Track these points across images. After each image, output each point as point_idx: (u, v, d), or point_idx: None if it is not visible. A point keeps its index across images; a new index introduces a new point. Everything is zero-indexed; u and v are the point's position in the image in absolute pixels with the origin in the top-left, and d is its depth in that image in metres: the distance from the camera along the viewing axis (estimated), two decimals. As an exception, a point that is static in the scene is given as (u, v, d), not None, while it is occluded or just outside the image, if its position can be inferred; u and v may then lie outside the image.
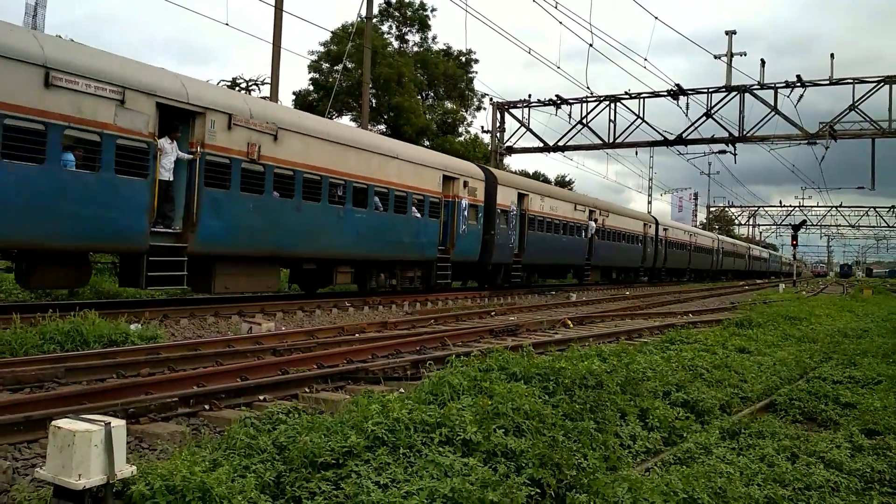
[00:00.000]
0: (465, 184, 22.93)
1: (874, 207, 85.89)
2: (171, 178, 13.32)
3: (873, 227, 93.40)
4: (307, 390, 7.81)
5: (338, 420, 5.01)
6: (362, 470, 4.29)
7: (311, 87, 43.37)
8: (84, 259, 13.16)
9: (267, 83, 29.96)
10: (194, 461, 4.06)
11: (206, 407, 6.84)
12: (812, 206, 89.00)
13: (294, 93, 43.74)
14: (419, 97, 45.50)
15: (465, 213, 22.83)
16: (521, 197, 26.68)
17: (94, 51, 12.74)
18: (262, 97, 27.68)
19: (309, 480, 4.19)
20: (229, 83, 32.85)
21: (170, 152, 13.22)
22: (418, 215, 20.59)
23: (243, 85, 33.18)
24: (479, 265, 24.79)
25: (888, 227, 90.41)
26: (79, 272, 13.05)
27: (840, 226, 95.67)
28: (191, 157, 13.51)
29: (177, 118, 13.51)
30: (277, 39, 22.59)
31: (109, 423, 3.81)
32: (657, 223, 45.20)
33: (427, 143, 40.60)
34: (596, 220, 33.64)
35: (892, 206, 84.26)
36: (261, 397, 7.35)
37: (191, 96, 13.57)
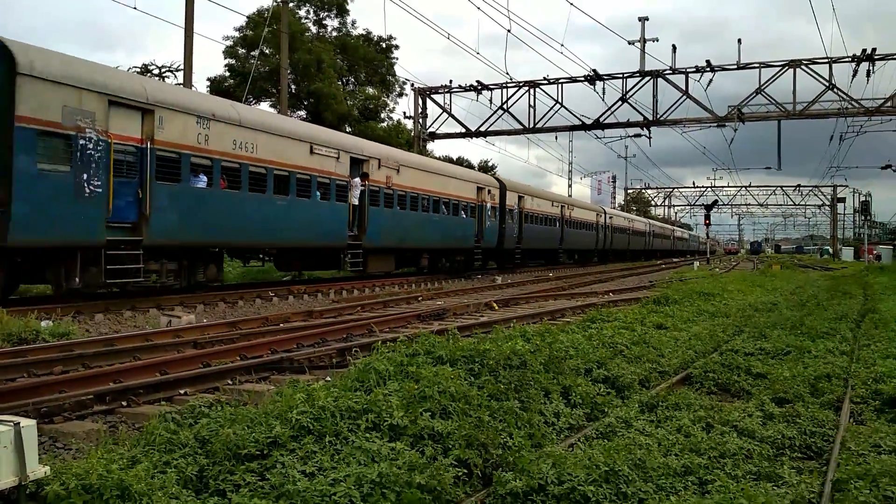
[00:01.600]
0: (489, 192, 30.91)
1: (781, 187, 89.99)
2: (357, 203, 21.35)
3: (780, 205, 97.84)
4: (230, 382, 7.66)
5: (262, 411, 4.94)
6: (287, 460, 4.25)
7: (228, 74, 42.28)
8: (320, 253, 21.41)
9: (180, 70, 29.04)
10: (111, 459, 3.94)
11: (124, 403, 6.64)
12: (723, 187, 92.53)
13: (209, 79, 42.56)
14: (339, 83, 44.94)
15: (489, 213, 30.69)
16: (519, 198, 34.24)
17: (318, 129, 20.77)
18: (176, 83, 26.82)
19: (233, 473, 4.13)
20: (139, 69, 31.69)
21: (357, 186, 21.30)
22: (465, 216, 28.65)
23: (156, 72, 32.05)
24: (495, 251, 32.39)
25: (794, 205, 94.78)
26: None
27: (749, 205, 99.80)
28: (362, 188, 21.52)
29: (356, 164, 21.47)
30: (190, 24, 21.92)
31: (19, 423, 3.66)
32: (605, 213, 52.21)
33: (349, 129, 40.20)
34: (564, 214, 40.06)
35: (798, 185, 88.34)
36: (181, 391, 7.18)
37: (365, 151, 22.17)
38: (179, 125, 14.79)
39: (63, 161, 12.54)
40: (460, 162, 55.44)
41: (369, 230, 21.80)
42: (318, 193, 19.33)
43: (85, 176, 12.81)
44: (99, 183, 13.03)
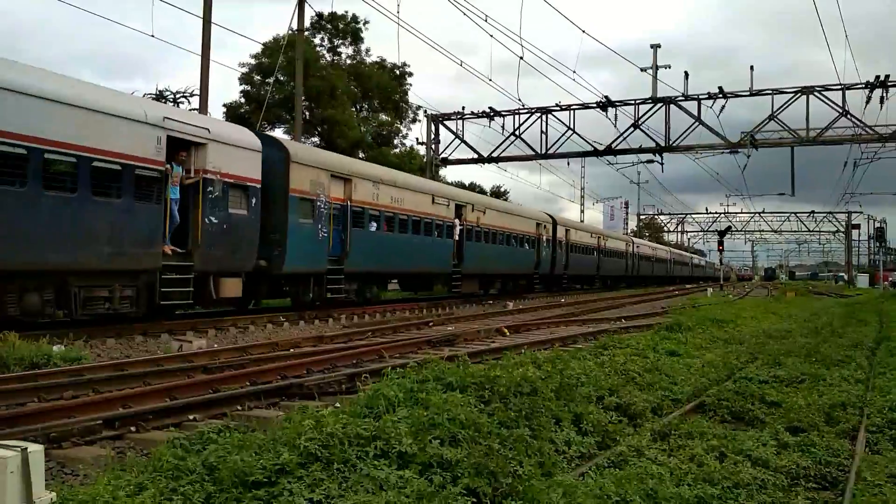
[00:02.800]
0: (545, 226, 37.03)
1: (795, 213, 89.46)
2: (457, 239, 27.11)
3: (794, 231, 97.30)
4: (239, 408, 7.64)
5: (270, 437, 4.91)
6: (295, 487, 4.21)
7: (243, 100, 42.76)
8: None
9: (196, 95, 29.38)
10: (118, 485, 3.92)
11: (133, 429, 6.63)
12: (736, 213, 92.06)
13: (225, 105, 43.07)
14: (353, 109, 45.31)
15: (545, 243, 36.75)
16: (566, 231, 40.39)
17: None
18: (191, 109, 27.12)
19: (240, 500, 4.09)
20: (155, 96, 32.09)
21: (457, 226, 26.80)
22: (528, 247, 34.93)
23: (171, 98, 32.46)
24: (548, 276, 37.95)
25: (808, 231, 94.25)
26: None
27: (763, 231, 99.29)
28: (461, 227, 27.13)
29: (458, 208, 27.63)
30: (206, 51, 22.21)
31: (26, 448, 3.65)
32: (633, 242, 58.55)
33: (362, 155, 40.43)
34: (600, 244, 47.00)
35: (812, 212, 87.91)
36: (190, 417, 7.16)
37: (463, 198, 28.85)
38: (363, 188, 21.10)
39: (309, 216, 18.50)
40: (472, 188, 55.59)
41: (465, 259, 27.90)
42: (436, 232, 25.63)
43: (319, 225, 18.90)
44: (325, 230, 19.13)
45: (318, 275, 19.07)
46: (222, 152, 15.53)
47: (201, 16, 21.98)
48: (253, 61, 42.28)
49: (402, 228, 23.22)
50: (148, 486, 4.08)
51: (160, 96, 32.27)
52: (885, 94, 31.52)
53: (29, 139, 11.59)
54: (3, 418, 6.42)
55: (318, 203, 18.75)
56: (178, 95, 32.91)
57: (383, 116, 48.54)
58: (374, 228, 21.52)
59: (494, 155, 37.95)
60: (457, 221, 27.21)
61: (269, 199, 17.12)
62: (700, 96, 33.84)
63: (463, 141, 38.34)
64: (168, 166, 14.20)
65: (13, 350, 9.80)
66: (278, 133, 40.93)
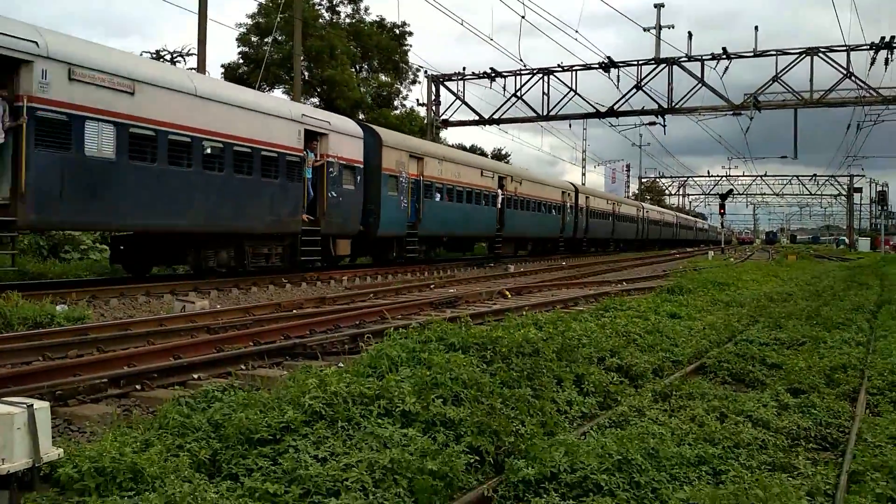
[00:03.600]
0: (568, 194, 40.49)
1: (797, 176, 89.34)
2: (499, 207, 30.60)
3: (796, 195, 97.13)
4: (243, 367, 7.68)
5: (275, 396, 4.95)
6: (300, 444, 4.25)
7: (241, 60, 42.31)
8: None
9: (193, 54, 29.07)
10: (124, 442, 3.96)
11: (138, 387, 6.67)
12: (738, 176, 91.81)
13: (223, 66, 42.67)
14: (353, 70, 44.84)
15: (569, 210, 40.29)
16: (586, 198, 43.78)
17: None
18: (188, 68, 26.83)
19: (245, 457, 4.14)
20: (153, 55, 31.72)
21: (500, 195, 30.65)
22: (553, 213, 38.12)
23: (168, 57, 32.07)
24: (571, 239, 41.54)
25: (810, 194, 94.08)
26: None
27: (765, 194, 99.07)
28: (503, 196, 30.99)
29: (501, 180, 31.29)
30: (203, 10, 21.92)
31: (32, 405, 3.68)
32: (644, 207, 61.94)
33: (362, 115, 40.13)
34: (615, 210, 50.24)
35: (814, 175, 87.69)
36: (195, 376, 7.21)
37: (504, 171, 32.82)
38: (431, 165, 24.90)
39: (395, 190, 22.30)
40: (473, 150, 55.35)
41: (506, 225, 31.19)
42: (483, 201, 29.08)
43: (402, 197, 22.73)
44: (405, 201, 22.92)
45: (400, 238, 23.28)
46: (338, 140, 19.51)
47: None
48: (250, 21, 41.80)
49: (460, 198, 27.19)
50: (154, 443, 4.12)
51: (157, 56, 31.89)
52: (889, 56, 31.17)
53: (225, 136, 15.44)
54: (8, 376, 6.45)
55: (401, 179, 22.74)
56: (175, 55, 32.53)
57: (383, 77, 48.09)
58: (438, 199, 25.57)
59: (496, 117, 37.66)
60: (499, 192, 30.77)
61: (368, 176, 21.04)
62: (703, 57, 33.45)
63: (464, 102, 38.02)
64: (305, 153, 18.06)
65: (17, 309, 9.82)
66: (277, 93, 40.62)
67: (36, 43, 11.76)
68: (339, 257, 21.24)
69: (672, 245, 73.66)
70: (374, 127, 23.02)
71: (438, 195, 25.42)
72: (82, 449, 3.84)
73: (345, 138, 19.91)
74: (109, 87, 12.89)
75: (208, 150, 15.16)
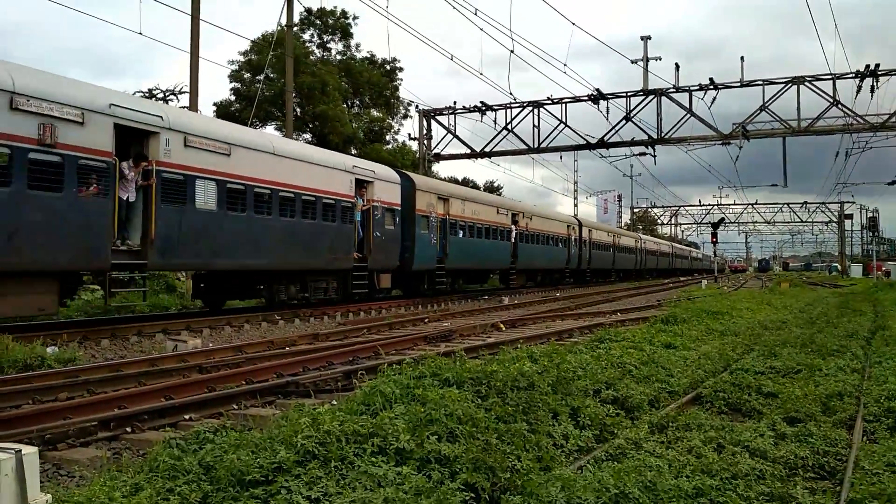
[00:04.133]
0: (573, 227, 43.60)
1: (787, 204, 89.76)
2: (513, 241, 33.18)
3: (788, 222, 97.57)
4: (235, 407, 7.61)
5: (267, 436, 4.88)
6: (293, 485, 4.18)
7: (233, 97, 42.60)
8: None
9: (185, 92, 29.24)
10: (114, 486, 3.89)
11: (128, 430, 6.59)
12: (730, 204, 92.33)
13: (215, 103, 42.89)
14: (344, 106, 45.17)
15: (574, 242, 43.15)
16: (589, 231, 46.64)
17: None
18: (181, 107, 27.01)
19: (237, 500, 4.07)
20: (146, 94, 31.93)
21: (514, 230, 32.82)
22: (560, 246, 40.71)
23: (160, 95, 32.28)
24: (578, 270, 44.51)
25: (802, 222, 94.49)
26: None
27: (757, 222, 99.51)
28: (517, 231, 33.10)
29: (514, 216, 33.59)
30: (195, 49, 22.10)
31: (20, 450, 3.62)
32: (642, 239, 64.52)
33: (354, 151, 40.32)
34: (615, 241, 52.77)
35: (805, 202, 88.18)
36: (187, 417, 7.13)
37: (517, 208, 34.69)
38: (456, 205, 27.60)
39: (426, 228, 24.90)
40: (465, 183, 55.62)
41: (520, 258, 33.75)
42: (500, 237, 31.53)
43: (432, 235, 25.21)
44: (435, 238, 25.43)
45: (430, 271, 25.76)
46: (381, 186, 22.35)
47: (190, 13, 21.86)
48: (242, 58, 42.15)
49: (480, 234, 29.66)
50: (144, 487, 4.05)
51: (150, 95, 32.10)
52: (875, 84, 31.54)
53: (295, 187, 18.22)
54: (-3, 421, 6.37)
55: (431, 218, 25.34)
56: (167, 93, 32.75)
57: (375, 112, 48.42)
58: (462, 235, 27.92)
59: (487, 149, 37.89)
60: (513, 227, 33.20)
61: (404, 217, 23.64)
62: (691, 88, 33.83)
63: (455, 136, 38.29)
64: (356, 199, 20.72)
65: (7, 352, 9.75)
66: (269, 129, 40.86)
67: (161, 117, 14.25)
68: (381, 290, 23.66)
69: (668, 274, 76.32)
70: (408, 173, 26.50)
71: (462, 232, 28.00)
72: (71, 494, 3.78)
73: (386, 184, 22.83)
74: (213, 150, 15.51)
75: (283, 200, 17.72)
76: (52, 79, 12.67)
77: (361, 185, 21.17)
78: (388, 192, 22.74)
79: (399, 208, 23.24)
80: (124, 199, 13.53)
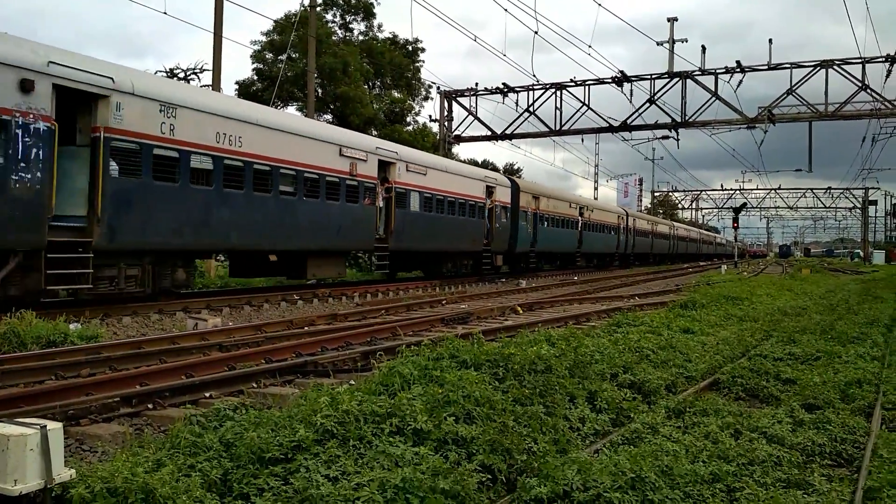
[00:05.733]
0: (622, 217, 49.41)
1: (811, 189, 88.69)
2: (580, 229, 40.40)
3: (811, 208, 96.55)
4: (255, 385, 7.69)
5: (286, 414, 4.94)
6: (311, 464, 4.24)
7: (255, 77, 42.63)
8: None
9: (207, 70, 29.33)
10: (136, 462, 3.96)
11: (150, 406, 6.68)
12: (752, 189, 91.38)
13: (237, 82, 42.94)
14: (366, 87, 45.08)
15: (622, 231, 48.75)
16: (633, 220, 52.64)
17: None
18: (202, 86, 27.08)
19: (257, 476, 4.13)
20: (167, 73, 32.05)
21: (530, 211, 32.88)
22: (612, 234, 46.62)
23: (182, 74, 32.38)
24: (624, 254, 50.54)
25: (825, 207, 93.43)
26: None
27: (779, 207, 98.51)
28: (536, 212, 33.24)
29: (536, 198, 33.75)
30: (218, 28, 22.15)
31: (45, 425, 3.69)
32: (674, 225, 71.23)
33: (375, 132, 40.28)
34: (653, 228, 58.91)
35: (829, 188, 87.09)
36: (207, 394, 7.22)
37: (534, 189, 34.01)
38: (543, 201, 34.10)
39: (525, 220, 31.75)
40: (486, 165, 55.44)
41: (584, 243, 40.14)
42: (570, 226, 37.91)
43: (527, 225, 32.02)
44: (530, 228, 32.40)
45: (525, 254, 32.59)
46: (500, 191, 29.68)
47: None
48: (265, 38, 42.13)
49: (558, 225, 36.27)
50: (166, 463, 4.12)
51: (171, 74, 32.20)
52: (904, 68, 31.02)
53: (452, 193, 25.64)
54: (21, 396, 6.49)
55: (528, 212, 32.08)
56: (188, 72, 32.82)
57: (396, 93, 48.27)
58: (546, 226, 34.31)
59: (508, 132, 37.76)
60: (580, 218, 38.97)
61: (511, 212, 30.69)
62: (717, 71, 33.46)
63: (476, 118, 38.18)
64: (487, 201, 28.26)
65: (30, 328, 9.89)
66: (291, 110, 40.90)
67: (396, 152, 22.55)
68: (498, 267, 30.94)
69: (695, 258, 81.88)
70: (514, 178, 34.26)
71: (546, 223, 34.41)
72: (94, 469, 3.85)
73: (502, 189, 30.16)
74: (417, 172, 23.28)
75: (452, 203, 25.54)
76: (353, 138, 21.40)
77: (489, 190, 28.72)
78: (502, 194, 29.99)
79: (509, 206, 30.43)
80: (380, 206, 21.21)
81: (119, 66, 13.63)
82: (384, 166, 21.35)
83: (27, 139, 11.51)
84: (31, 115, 11.53)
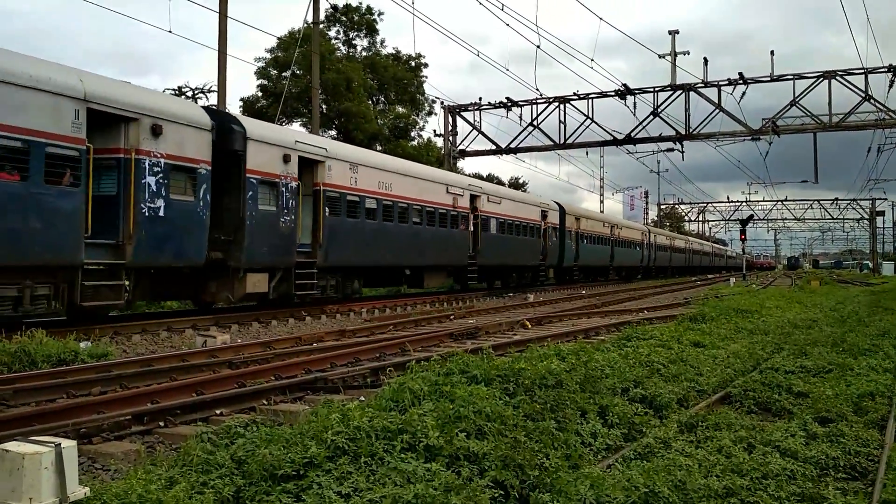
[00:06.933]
0: (646, 233, 55.23)
1: (818, 200, 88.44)
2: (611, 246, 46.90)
3: (818, 219, 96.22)
4: (265, 402, 7.69)
5: (297, 431, 4.94)
6: (324, 480, 4.23)
7: (260, 94, 42.93)
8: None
9: (214, 91, 29.52)
10: (150, 479, 3.96)
11: (161, 424, 6.69)
12: (758, 201, 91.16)
13: (242, 99, 43.27)
14: (370, 102, 45.32)
15: (645, 246, 53.91)
16: (654, 235, 57.55)
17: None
18: (209, 104, 27.24)
19: (269, 494, 4.13)
20: (174, 91, 32.28)
21: (610, 237, 45.28)
22: (637, 249, 51.79)
23: (189, 94, 32.62)
24: (647, 267, 55.40)
25: (832, 219, 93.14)
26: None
27: (786, 219, 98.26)
28: (577, 231, 39.63)
29: (576, 219, 39.36)
30: (223, 46, 22.30)
31: (59, 444, 3.70)
32: (690, 240, 78.19)
33: (379, 147, 40.46)
34: (671, 242, 63.66)
35: (836, 199, 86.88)
36: (217, 411, 7.22)
37: (572, 210, 39.30)
38: (584, 221, 39.77)
39: (570, 239, 37.55)
40: (490, 179, 55.55)
41: (615, 258, 45.59)
42: (604, 243, 43.73)
43: (572, 242, 37.54)
44: (574, 245, 37.91)
45: (570, 268, 38.00)
46: (551, 214, 35.34)
47: (217, 10, 22.06)
48: (269, 55, 42.45)
49: (595, 242, 41.77)
50: (179, 480, 4.12)
51: (179, 93, 32.44)
52: (908, 78, 30.99)
53: (522, 219, 31.77)
54: (33, 414, 6.51)
55: (572, 231, 37.51)
56: (196, 91, 33.06)
57: (400, 109, 48.52)
58: (585, 243, 39.61)
59: (512, 146, 37.85)
60: (611, 235, 44.84)
61: (560, 232, 35.87)
62: (720, 83, 33.50)
63: (480, 132, 38.28)
64: (542, 223, 33.42)
65: (41, 347, 9.92)
66: (295, 126, 41.11)
67: (481, 188, 28.45)
68: (550, 278, 36.56)
69: (708, 270, 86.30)
70: (561, 203, 37.57)
71: (586, 241, 39.75)
72: (108, 487, 3.85)
73: (552, 212, 35.43)
74: (495, 202, 28.99)
75: (517, 226, 30.98)
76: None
77: (544, 214, 34.13)
78: (553, 217, 35.20)
79: (558, 226, 35.61)
80: (471, 230, 26.37)
81: (327, 140, 22.31)
82: (473, 199, 27.03)
83: (286, 193, 16.85)
84: (288, 178, 16.93)
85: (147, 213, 13.36)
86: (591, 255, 41.12)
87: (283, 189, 16.67)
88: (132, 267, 13.50)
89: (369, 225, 20.09)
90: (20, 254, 11.46)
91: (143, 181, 13.28)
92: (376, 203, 20.47)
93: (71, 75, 12.35)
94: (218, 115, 16.38)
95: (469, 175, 47.88)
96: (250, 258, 15.89)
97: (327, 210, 18.31)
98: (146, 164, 13.36)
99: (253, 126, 16.74)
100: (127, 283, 13.46)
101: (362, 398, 7.27)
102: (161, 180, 13.65)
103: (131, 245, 13.06)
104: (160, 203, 13.61)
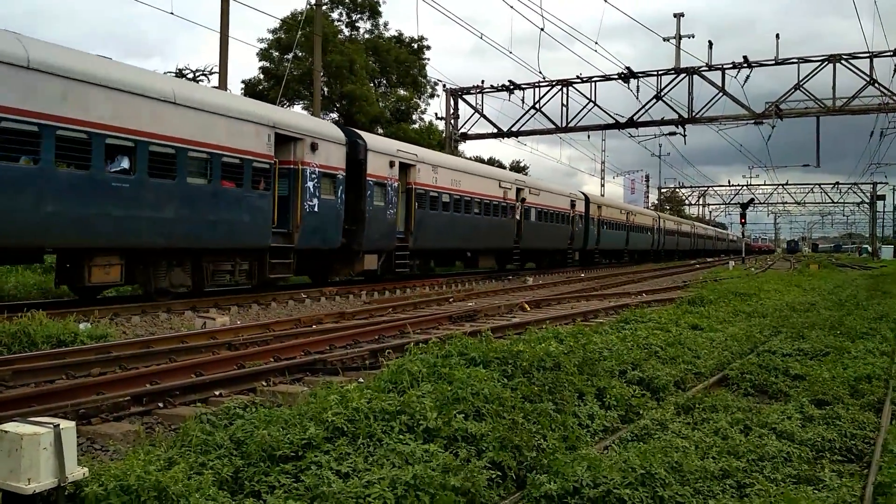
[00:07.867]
0: (657, 219, 57.96)
1: (819, 184, 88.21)
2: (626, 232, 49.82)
3: (818, 203, 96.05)
4: (264, 384, 7.72)
5: (296, 412, 4.96)
6: (322, 461, 4.26)
7: (262, 76, 42.72)
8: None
9: (215, 73, 29.40)
10: (149, 460, 3.98)
11: (160, 405, 6.72)
12: (759, 185, 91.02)
13: (243, 81, 43.05)
14: (372, 85, 45.09)
15: (656, 231, 57.16)
16: (664, 221, 61.41)
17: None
18: (211, 86, 27.14)
19: (268, 474, 4.16)
20: (175, 73, 32.14)
21: (625, 223, 47.92)
22: (649, 234, 54.91)
23: (190, 75, 32.49)
24: (658, 251, 58.79)
25: (832, 203, 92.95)
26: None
27: (786, 203, 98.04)
28: (627, 224, 48.21)
29: (590, 204, 41.26)
30: (225, 28, 22.17)
31: (58, 424, 3.71)
32: (695, 224, 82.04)
33: (381, 130, 40.32)
34: (680, 227, 68.17)
35: (836, 183, 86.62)
36: (217, 393, 7.25)
37: (593, 198, 42.53)
38: (605, 209, 43.70)
39: (593, 224, 40.58)
40: (492, 162, 55.45)
41: (630, 242, 48.68)
42: (620, 228, 46.40)
43: (594, 227, 40.99)
44: (596, 230, 41.35)
45: (592, 251, 41.40)
46: (579, 204, 38.45)
47: (219, -8, 21.90)
48: (271, 37, 42.21)
49: (612, 227, 44.53)
50: (178, 461, 4.14)
51: (180, 74, 32.30)
52: (913, 62, 30.80)
53: (554, 208, 34.76)
54: (33, 395, 6.53)
55: (594, 218, 40.34)
56: (197, 73, 32.93)
57: (402, 91, 48.27)
58: (606, 228, 42.70)
59: (514, 129, 37.67)
60: (626, 221, 47.61)
61: (585, 218, 39.15)
62: (724, 66, 33.28)
63: (482, 115, 38.09)
64: (570, 211, 36.59)
65: (41, 328, 9.93)
66: (297, 108, 40.96)
67: (524, 181, 31.99)
68: (576, 261, 39.22)
69: (709, 254, 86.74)
70: (587, 193, 41.54)
71: (606, 226, 42.98)
72: (107, 468, 3.87)
73: (579, 201, 38.31)
74: (536, 194, 32.21)
75: (550, 214, 34.11)
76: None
77: (572, 203, 36.88)
78: (580, 206, 38.35)
79: (584, 214, 39.02)
80: (516, 218, 29.75)
81: (416, 147, 24.70)
82: (518, 191, 30.40)
83: (391, 192, 21.05)
84: (392, 179, 21.09)
85: (307, 209, 17.50)
86: (610, 240, 44.54)
87: (389, 188, 20.97)
88: (297, 249, 17.47)
89: (445, 216, 24.41)
90: (237, 239, 15.71)
91: (305, 185, 17.49)
92: (450, 198, 24.74)
93: (267, 109, 17.26)
94: (347, 132, 20.33)
95: (469, 158, 47.82)
96: (368, 243, 20.17)
97: (416, 204, 22.44)
98: (307, 173, 17.56)
99: (370, 139, 21.06)
100: (292, 261, 17.40)
101: (361, 380, 7.30)
102: (316, 184, 17.88)
103: (297, 233, 17.26)
104: (315, 202, 17.79)
